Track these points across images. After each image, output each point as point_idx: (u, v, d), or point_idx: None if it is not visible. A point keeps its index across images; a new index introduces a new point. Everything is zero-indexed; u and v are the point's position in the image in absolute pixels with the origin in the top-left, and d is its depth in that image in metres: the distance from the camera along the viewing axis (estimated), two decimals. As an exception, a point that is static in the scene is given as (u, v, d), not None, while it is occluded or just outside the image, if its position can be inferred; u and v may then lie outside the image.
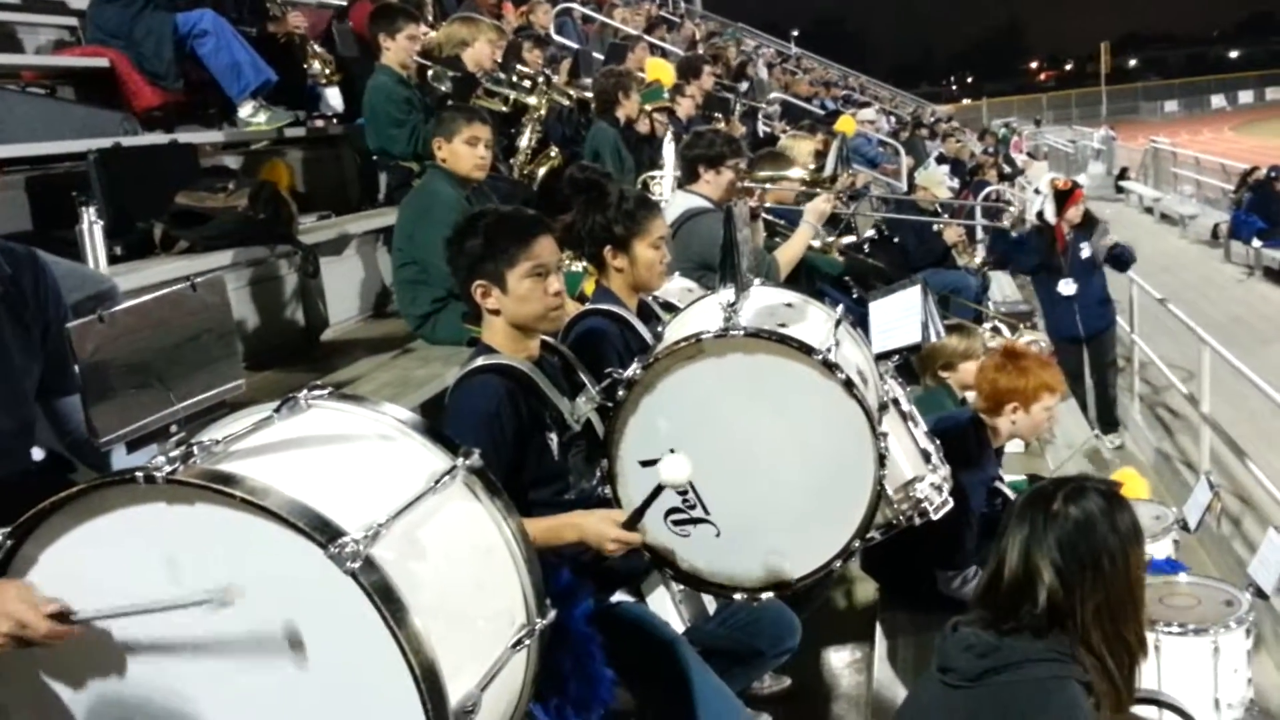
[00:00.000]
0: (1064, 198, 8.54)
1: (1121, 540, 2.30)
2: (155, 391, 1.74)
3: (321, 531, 1.60)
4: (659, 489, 2.52)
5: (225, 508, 1.64)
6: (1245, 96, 71.82)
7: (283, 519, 1.61)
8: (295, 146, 6.32)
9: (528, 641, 1.89)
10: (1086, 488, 2.36)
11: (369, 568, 1.60)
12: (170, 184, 4.64)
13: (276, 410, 1.86)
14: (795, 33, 37.06)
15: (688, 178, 5.11)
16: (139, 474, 1.63)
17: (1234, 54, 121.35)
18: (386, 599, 1.61)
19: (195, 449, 1.69)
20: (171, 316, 1.77)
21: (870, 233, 7.62)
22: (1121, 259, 8.66)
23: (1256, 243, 16.69)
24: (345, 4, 7.55)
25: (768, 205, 5.49)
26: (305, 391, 1.92)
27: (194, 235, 4.49)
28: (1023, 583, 2.32)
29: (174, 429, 1.75)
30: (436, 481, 1.83)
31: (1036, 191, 9.02)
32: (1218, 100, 70.22)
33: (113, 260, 4.11)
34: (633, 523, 2.58)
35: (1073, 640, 2.28)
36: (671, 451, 2.48)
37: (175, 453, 1.66)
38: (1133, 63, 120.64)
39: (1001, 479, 4.45)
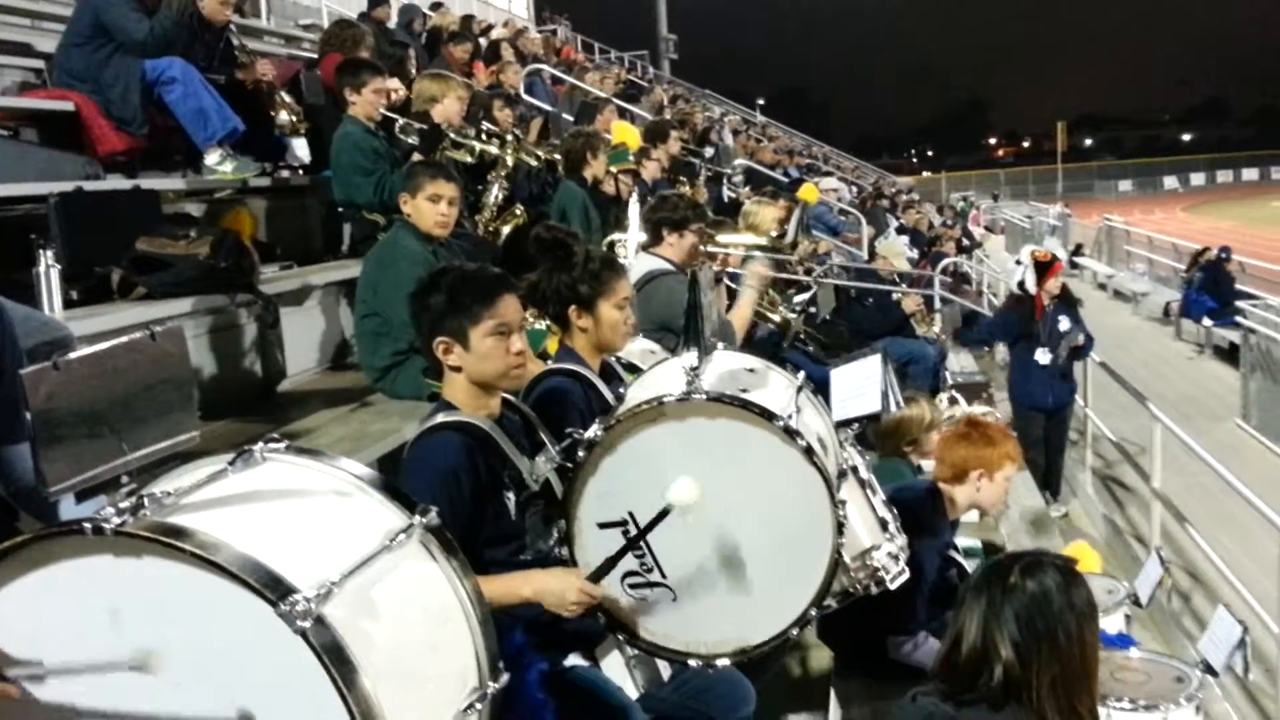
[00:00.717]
0: (1044, 269, 8.73)
1: (1077, 615, 2.32)
2: (107, 441, 1.71)
3: (272, 589, 1.57)
4: (629, 545, 2.51)
5: (174, 561, 1.60)
6: (1197, 179, 73.67)
7: (233, 574, 1.57)
8: (260, 196, 6.30)
9: (479, 706, 1.86)
10: (1044, 562, 2.38)
11: (320, 627, 1.57)
12: (131, 229, 4.60)
13: (231, 463, 1.84)
14: (761, 101, 37.62)
15: (651, 240, 5.15)
16: (87, 525, 1.60)
17: (1186, 137, 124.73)
18: (337, 659, 1.57)
19: (146, 500, 1.66)
20: (128, 365, 1.75)
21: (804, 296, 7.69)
22: (1080, 356, 8.89)
23: (1207, 322, 17.00)
24: (315, 56, 7.59)
25: (729, 270, 5.53)
26: (261, 444, 1.89)
27: (153, 282, 4.45)
28: (980, 655, 2.33)
29: (125, 479, 1.72)
30: (392, 540, 1.81)
31: (1018, 263, 9.22)
32: (1170, 181, 71.93)
33: (69, 305, 4.06)
34: (599, 576, 2.55)
35: (1028, 713, 2.29)
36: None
37: (125, 504, 1.63)
38: (1089, 142, 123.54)
39: (956, 548, 4.46)
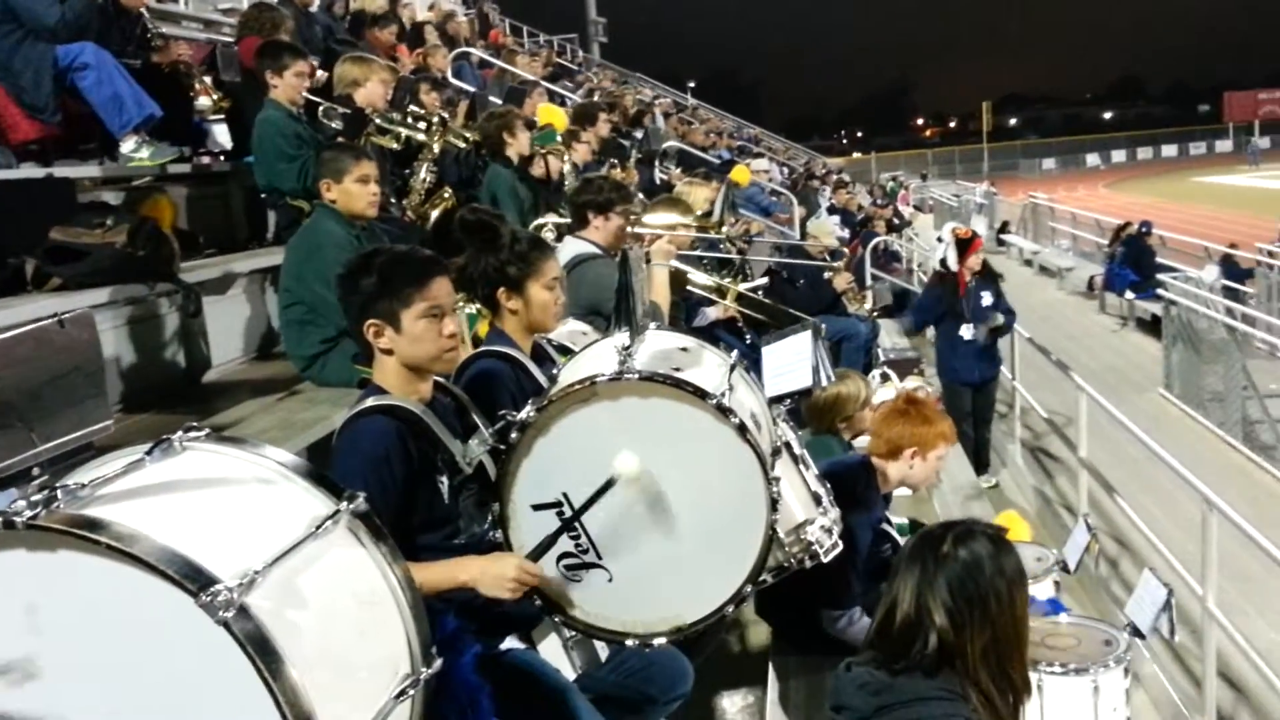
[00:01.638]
0: (965, 246, 8.88)
1: (1007, 582, 2.36)
2: (17, 432, 1.65)
3: (193, 580, 1.52)
4: (564, 527, 2.50)
5: (90, 554, 1.56)
6: (1118, 155, 75.31)
7: (151, 566, 1.53)
8: (180, 183, 6.16)
9: (412, 692, 1.83)
10: (975, 531, 2.42)
11: (243, 617, 1.53)
12: (45, 219, 4.46)
13: (149, 452, 1.78)
14: (692, 84, 37.63)
15: (577, 224, 5.11)
16: (-3, 518, 1.54)
17: (1107, 115, 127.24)
18: (261, 650, 1.54)
19: (60, 492, 1.61)
20: (36, 354, 1.68)
21: (762, 280, 7.74)
22: (1001, 332, 9.07)
23: (1129, 295, 17.37)
24: (231, 40, 7.43)
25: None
26: (180, 433, 1.84)
27: (68, 272, 4.31)
28: (914, 623, 2.36)
29: (37, 471, 1.66)
30: (318, 527, 1.77)
31: (939, 240, 9.36)
32: (1092, 158, 73.42)
33: (-20, 296, 3.94)
34: (538, 555, 2.53)
35: (962, 679, 2.32)
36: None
37: (37, 496, 1.58)
38: (1013, 121, 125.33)
39: (890, 522, 4.51)
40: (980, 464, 9.13)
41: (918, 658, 2.34)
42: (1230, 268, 18.27)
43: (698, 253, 6.06)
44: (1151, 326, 15.82)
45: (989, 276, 9.19)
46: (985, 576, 2.35)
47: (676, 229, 5.50)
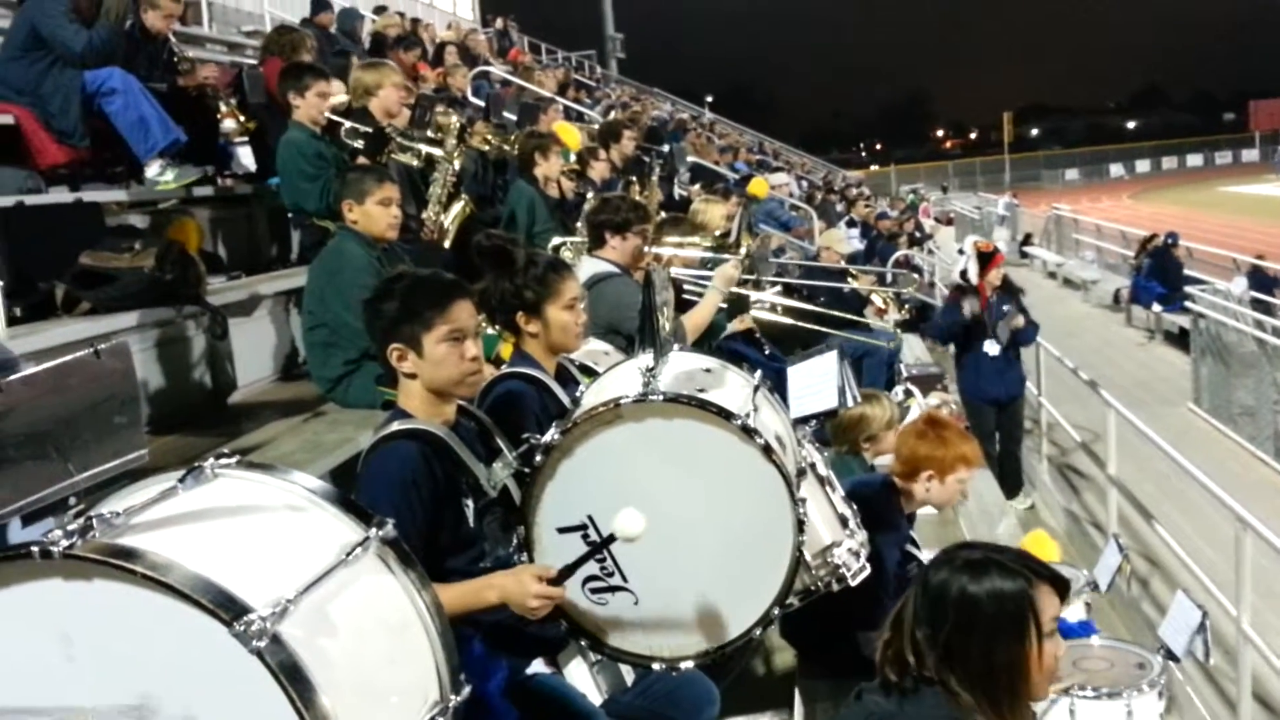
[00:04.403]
0: (987, 260, 8.73)
1: (990, 624, 2.23)
2: (54, 462, 1.67)
3: (226, 609, 1.54)
4: (597, 546, 2.49)
5: (125, 584, 1.57)
6: (1142, 165, 74.93)
7: (185, 595, 1.54)
8: (205, 205, 6.21)
9: (441, 719, 1.84)
10: (986, 561, 2.28)
11: (276, 646, 1.54)
12: (74, 244, 4.52)
13: (181, 480, 1.80)
14: (709, 98, 37.76)
15: (594, 243, 5.11)
16: (34, 549, 1.56)
17: (1131, 124, 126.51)
18: (294, 678, 1.55)
19: (95, 522, 1.63)
20: (72, 384, 1.70)
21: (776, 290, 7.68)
22: (1023, 340, 8.93)
23: (1156, 307, 17.24)
24: (255, 62, 7.50)
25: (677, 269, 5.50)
26: (211, 460, 1.86)
27: (97, 296, 4.36)
28: (899, 649, 2.30)
29: (73, 501, 1.68)
30: (348, 554, 1.78)
31: (960, 252, 9.21)
32: (1116, 169, 73.08)
33: (12, 322, 3.97)
34: (561, 579, 2.52)
35: (953, 705, 2.24)
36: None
37: (73, 526, 1.60)
38: (1034, 132, 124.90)
39: (915, 543, 4.48)
40: (1011, 486, 8.94)
41: (908, 683, 2.28)
42: (1259, 279, 18.06)
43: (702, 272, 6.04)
44: (1179, 339, 15.68)
45: (1010, 291, 9.04)
46: (969, 611, 2.22)
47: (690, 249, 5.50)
